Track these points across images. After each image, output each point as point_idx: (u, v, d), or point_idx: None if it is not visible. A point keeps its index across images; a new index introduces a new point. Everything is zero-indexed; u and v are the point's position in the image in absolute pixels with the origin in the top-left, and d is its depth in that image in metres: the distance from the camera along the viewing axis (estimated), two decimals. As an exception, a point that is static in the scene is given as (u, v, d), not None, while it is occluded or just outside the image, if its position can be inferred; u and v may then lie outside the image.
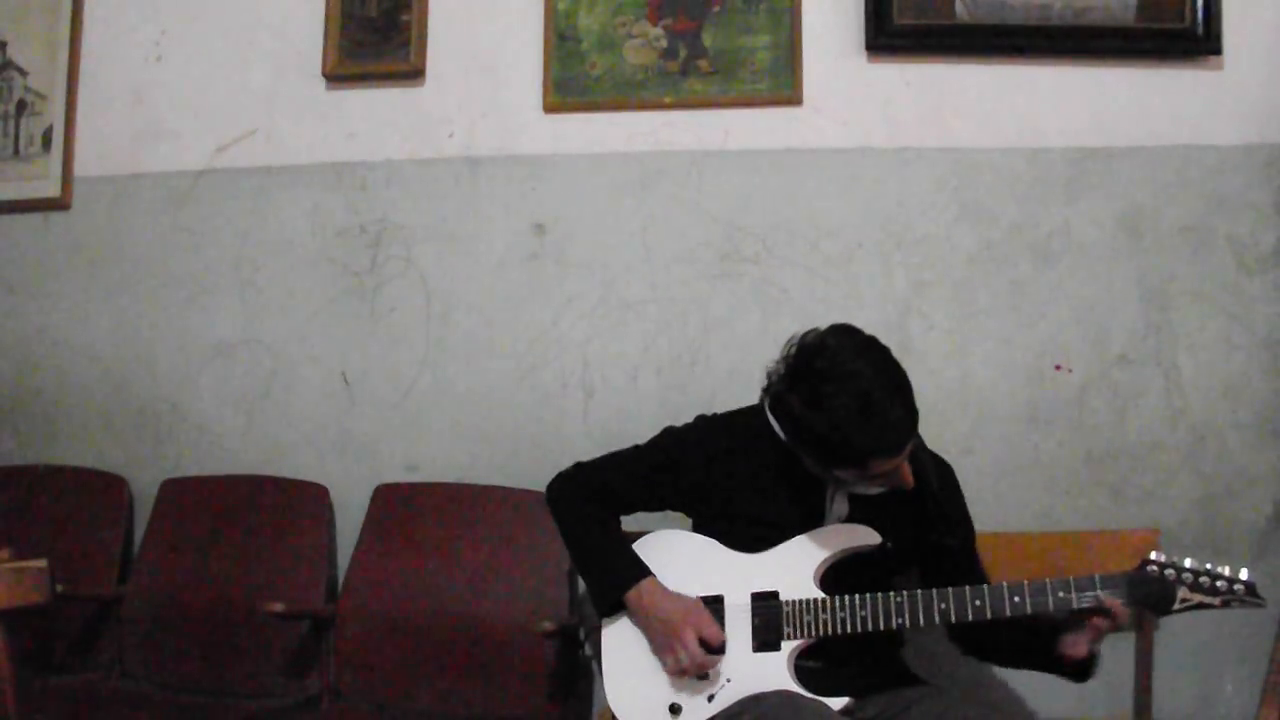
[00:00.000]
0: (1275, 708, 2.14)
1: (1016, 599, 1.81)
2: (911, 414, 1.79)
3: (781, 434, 1.91)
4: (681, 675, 1.88)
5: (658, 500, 2.05)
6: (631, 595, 1.92)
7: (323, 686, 2.58)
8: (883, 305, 2.62)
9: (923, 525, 1.93)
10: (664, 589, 1.92)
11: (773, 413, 1.88)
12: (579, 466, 2.07)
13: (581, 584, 2.09)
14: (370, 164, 2.80)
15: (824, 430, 1.76)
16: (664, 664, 1.90)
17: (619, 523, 2.04)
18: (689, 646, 1.86)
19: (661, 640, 1.90)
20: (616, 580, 1.94)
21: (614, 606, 1.95)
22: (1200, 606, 1.78)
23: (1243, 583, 1.77)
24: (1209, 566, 1.78)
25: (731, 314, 2.66)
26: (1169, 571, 1.78)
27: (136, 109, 2.91)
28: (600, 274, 2.71)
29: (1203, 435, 2.53)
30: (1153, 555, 1.81)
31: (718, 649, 1.87)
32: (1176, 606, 1.78)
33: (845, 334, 1.83)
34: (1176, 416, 2.54)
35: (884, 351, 1.82)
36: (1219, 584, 1.77)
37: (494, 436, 2.72)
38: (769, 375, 1.87)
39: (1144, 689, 2.33)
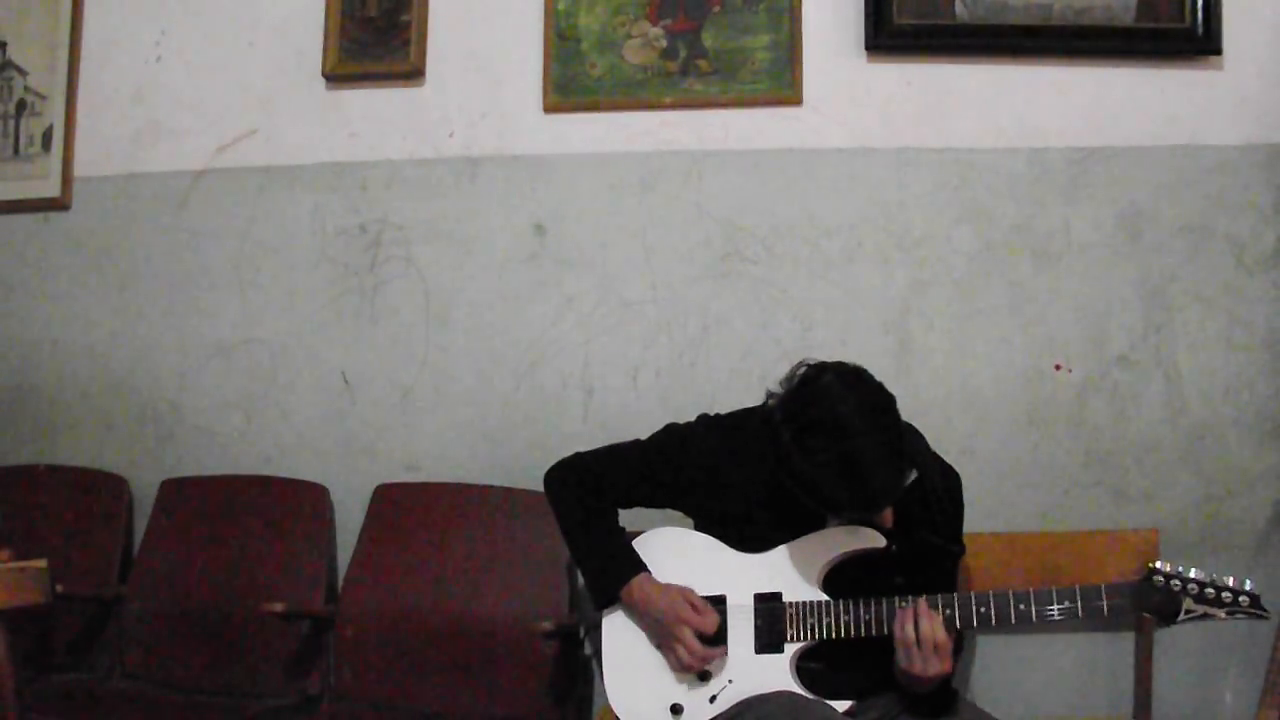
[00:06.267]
0: (1275, 708, 2.14)
1: (1022, 606, 1.81)
2: (897, 479, 1.75)
3: None
4: (686, 672, 1.88)
5: (656, 497, 2.05)
6: (624, 592, 1.92)
7: (323, 686, 2.58)
8: (883, 305, 2.62)
9: (926, 528, 1.92)
10: (656, 584, 1.92)
11: (766, 429, 1.84)
12: (579, 456, 2.07)
13: (581, 581, 2.09)
14: (370, 164, 2.80)
15: (803, 474, 1.74)
16: (667, 661, 1.90)
17: (617, 516, 2.04)
18: (688, 644, 1.86)
19: (659, 639, 1.90)
20: (611, 575, 1.94)
21: (608, 601, 1.95)
22: (1204, 617, 1.78)
23: (1247, 594, 1.77)
24: (1214, 577, 1.78)
25: (731, 314, 2.66)
26: (1174, 583, 1.78)
27: (136, 109, 2.91)
28: (600, 274, 2.71)
29: (1203, 435, 2.53)
30: (1158, 565, 1.80)
31: (716, 638, 1.87)
32: (1181, 618, 1.78)
33: (851, 382, 1.78)
34: (1176, 416, 2.54)
35: (886, 407, 1.77)
36: (1224, 595, 1.77)
37: (494, 436, 2.72)
38: (768, 396, 1.85)
39: (1144, 689, 2.34)
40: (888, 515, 1.85)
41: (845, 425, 1.71)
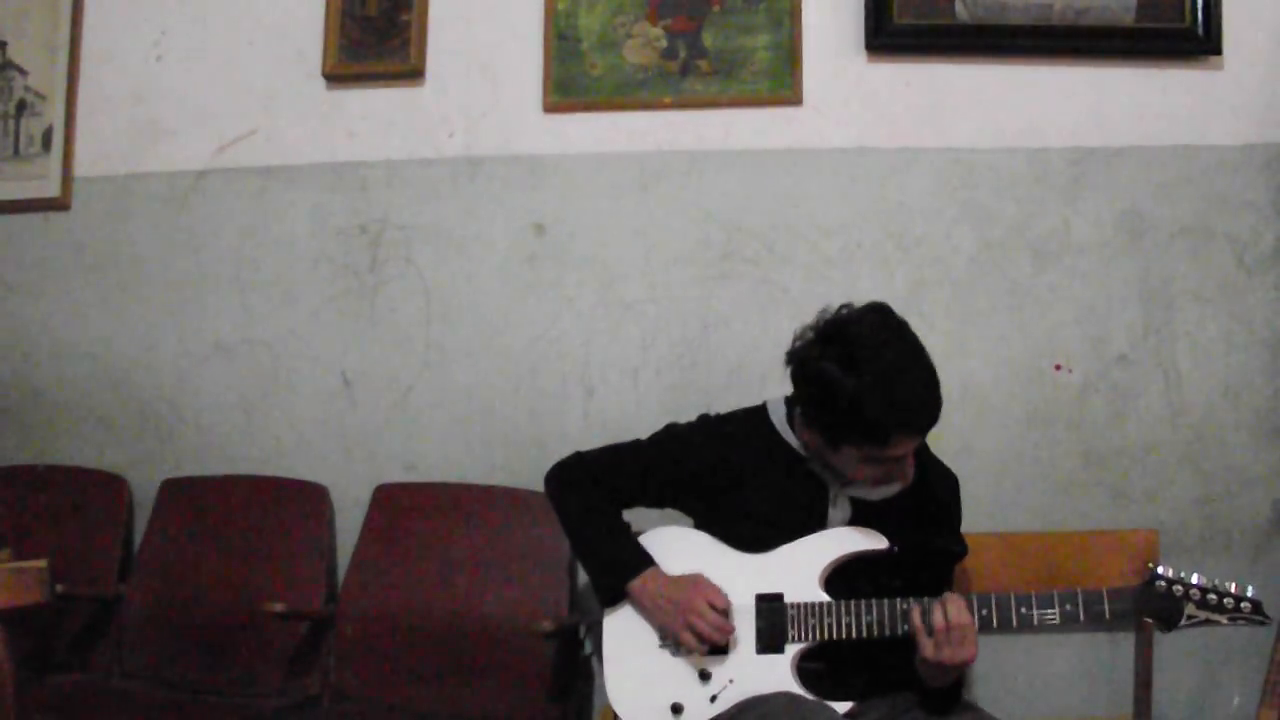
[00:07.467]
0: (1275, 708, 2.14)
1: (1023, 609, 1.81)
2: (938, 397, 1.78)
3: (783, 430, 1.92)
4: (702, 646, 1.86)
5: (657, 496, 2.04)
6: (635, 584, 1.91)
7: (323, 686, 2.58)
8: (883, 305, 2.61)
9: (926, 530, 1.92)
10: (667, 576, 1.91)
11: (795, 378, 1.84)
12: (579, 455, 2.06)
13: (581, 580, 2.08)
14: (370, 164, 2.80)
15: (854, 395, 1.72)
16: (679, 641, 1.87)
17: (620, 513, 2.03)
18: (704, 613, 1.85)
19: (673, 620, 1.88)
20: (620, 570, 1.93)
21: (616, 597, 1.94)
22: (1206, 623, 1.78)
23: (1249, 600, 1.77)
24: (1216, 583, 1.78)
25: (731, 314, 2.66)
26: (1176, 588, 1.78)
27: (136, 109, 2.91)
28: (600, 274, 2.71)
29: (1203, 435, 2.53)
30: (1159, 569, 1.80)
31: (726, 615, 1.87)
32: (1183, 623, 1.78)
33: (884, 312, 1.83)
34: (1176, 416, 2.54)
35: (916, 337, 1.82)
36: (1225, 601, 1.77)
37: (494, 436, 2.72)
38: (796, 338, 1.85)
39: (1144, 689, 2.33)
40: (910, 468, 1.84)
41: (890, 341, 1.77)
